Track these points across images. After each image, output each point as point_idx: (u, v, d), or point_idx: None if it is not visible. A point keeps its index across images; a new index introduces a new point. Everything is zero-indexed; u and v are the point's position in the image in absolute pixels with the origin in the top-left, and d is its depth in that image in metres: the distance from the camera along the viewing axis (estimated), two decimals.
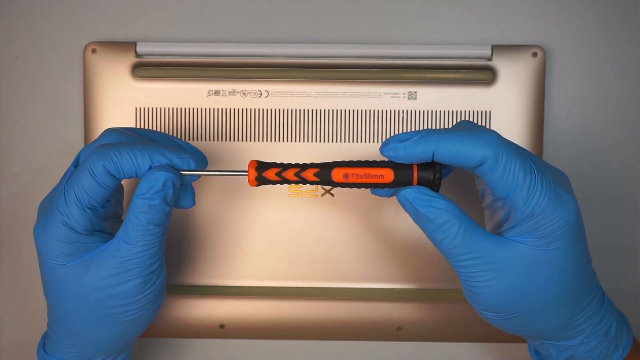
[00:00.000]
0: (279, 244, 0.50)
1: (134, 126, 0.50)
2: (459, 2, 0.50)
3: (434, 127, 0.50)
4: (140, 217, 0.40)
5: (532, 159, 0.40)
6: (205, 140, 0.50)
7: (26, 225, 0.51)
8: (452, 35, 0.50)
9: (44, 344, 0.44)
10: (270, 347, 0.52)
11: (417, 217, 0.40)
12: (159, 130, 0.50)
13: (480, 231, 0.40)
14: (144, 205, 0.39)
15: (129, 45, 0.49)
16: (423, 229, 0.40)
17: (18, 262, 0.52)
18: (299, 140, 0.50)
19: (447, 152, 0.38)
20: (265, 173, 0.41)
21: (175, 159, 0.41)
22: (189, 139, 0.50)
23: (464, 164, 0.39)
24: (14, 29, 0.51)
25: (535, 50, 0.49)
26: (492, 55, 0.49)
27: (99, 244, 0.41)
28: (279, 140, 0.50)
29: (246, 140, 0.50)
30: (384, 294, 0.50)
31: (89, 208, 0.40)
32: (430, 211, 0.39)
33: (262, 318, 0.51)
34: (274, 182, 0.41)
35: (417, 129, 0.50)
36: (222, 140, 0.50)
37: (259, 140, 0.50)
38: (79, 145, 0.51)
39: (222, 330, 0.51)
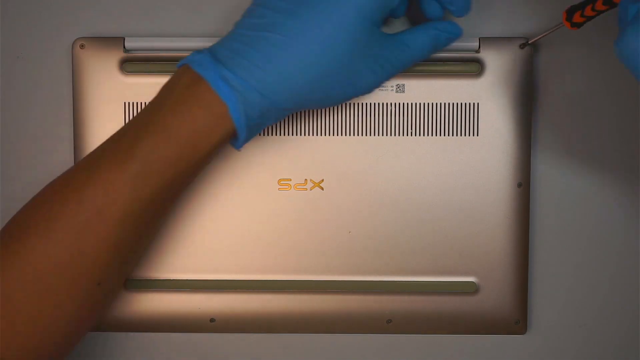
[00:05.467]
0: (268, 237, 0.50)
1: (122, 122, 0.50)
2: None
3: (422, 121, 0.50)
4: None
5: None
6: None
7: None
8: None
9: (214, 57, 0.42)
10: (261, 340, 0.52)
11: None
12: None
13: None
14: None
15: (117, 41, 0.49)
16: None
17: None
18: (287, 134, 0.50)
19: None
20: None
21: None
22: None
23: None
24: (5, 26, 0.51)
25: (523, 41, 0.49)
26: (479, 47, 0.49)
27: None
28: (267, 135, 0.50)
29: None
30: (374, 287, 0.51)
31: None
32: None
33: (252, 311, 0.51)
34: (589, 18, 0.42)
35: (406, 122, 0.50)
36: None
37: None
38: (68, 142, 0.51)
39: (213, 325, 0.51)
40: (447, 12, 0.46)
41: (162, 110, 0.42)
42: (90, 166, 0.42)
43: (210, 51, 0.42)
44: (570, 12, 0.43)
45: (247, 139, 0.43)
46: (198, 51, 0.43)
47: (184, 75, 0.42)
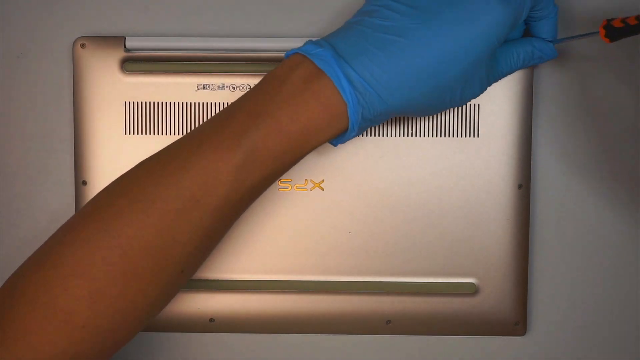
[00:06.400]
0: (268, 237, 0.50)
1: (122, 121, 0.50)
2: None
3: (423, 121, 0.50)
4: None
5: None
6: None
7: (26, 224, 0.51)
8: None
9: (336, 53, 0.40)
10: (261, 340, 0.52)
11: None
12: (148, 125, 0.50)
13: None
14: None
15: (118, 40, 0.50)
16: None
17: (18, 264, 0.52)
18: None
19: None
20: (614, 22, 0.40)
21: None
22: (178, 133, 0.50)
23: None
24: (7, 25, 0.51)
25: None
26: None
27: None
28: None
29: None
30: (374, 287, 0.51)
31: None
32: None
33: (252, 312, 0.51)
34: (630, 32, 0.40)
35: (406, 122, 0.50)
36: None
37: None
38: (69, 141, 0.51)
39: (213, 324, 0.51)
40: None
41: (273, 102, 0.40)
42: (190, 151, 0.40)
43: (331, 45, 0.41)
44: (609, 25, 0.42)
45: (352, 138, 0.42)
46: (314, 43, 0.41)
47: (300, 68, 0.40)
